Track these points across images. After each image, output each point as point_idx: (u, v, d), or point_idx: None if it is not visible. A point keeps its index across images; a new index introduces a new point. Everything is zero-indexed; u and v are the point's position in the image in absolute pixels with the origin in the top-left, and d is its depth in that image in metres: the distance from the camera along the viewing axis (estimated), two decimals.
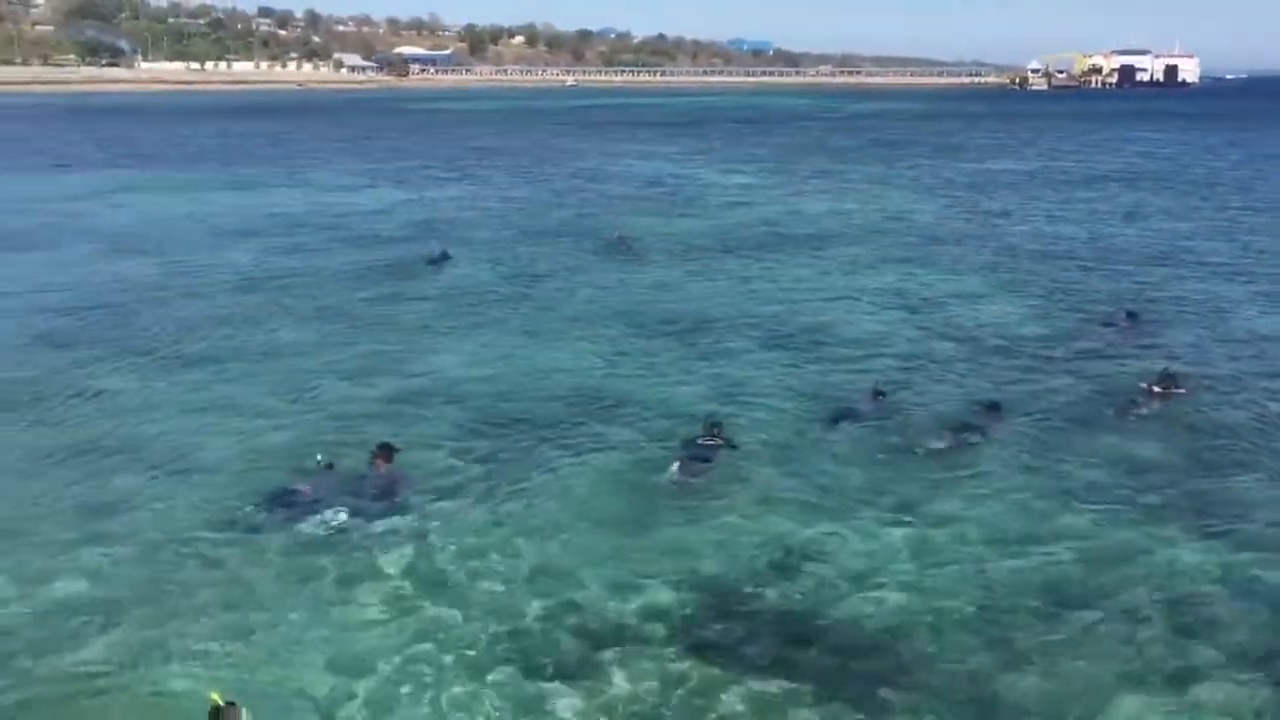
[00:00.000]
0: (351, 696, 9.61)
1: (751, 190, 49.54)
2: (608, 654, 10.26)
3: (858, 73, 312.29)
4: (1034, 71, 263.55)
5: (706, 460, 14.68)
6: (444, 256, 30.79)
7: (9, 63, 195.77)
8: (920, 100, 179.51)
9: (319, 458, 14.30)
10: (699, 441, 15.10)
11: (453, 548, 12.41)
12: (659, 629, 10.72)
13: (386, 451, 14.36)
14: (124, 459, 15.22)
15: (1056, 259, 31.20)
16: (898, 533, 12.82)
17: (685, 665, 10.04)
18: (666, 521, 13.16)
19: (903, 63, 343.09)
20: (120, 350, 20.85)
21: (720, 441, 15.13)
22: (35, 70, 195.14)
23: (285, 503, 13.32)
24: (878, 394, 17.45)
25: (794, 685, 9.72)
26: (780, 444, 15.80)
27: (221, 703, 7.68)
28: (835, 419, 16.59)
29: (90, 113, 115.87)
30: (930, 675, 9.99)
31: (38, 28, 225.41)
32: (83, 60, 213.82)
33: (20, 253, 31.63)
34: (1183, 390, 17.64)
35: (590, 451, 15.50)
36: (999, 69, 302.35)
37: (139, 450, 15.55)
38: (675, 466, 14.42)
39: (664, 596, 11.32)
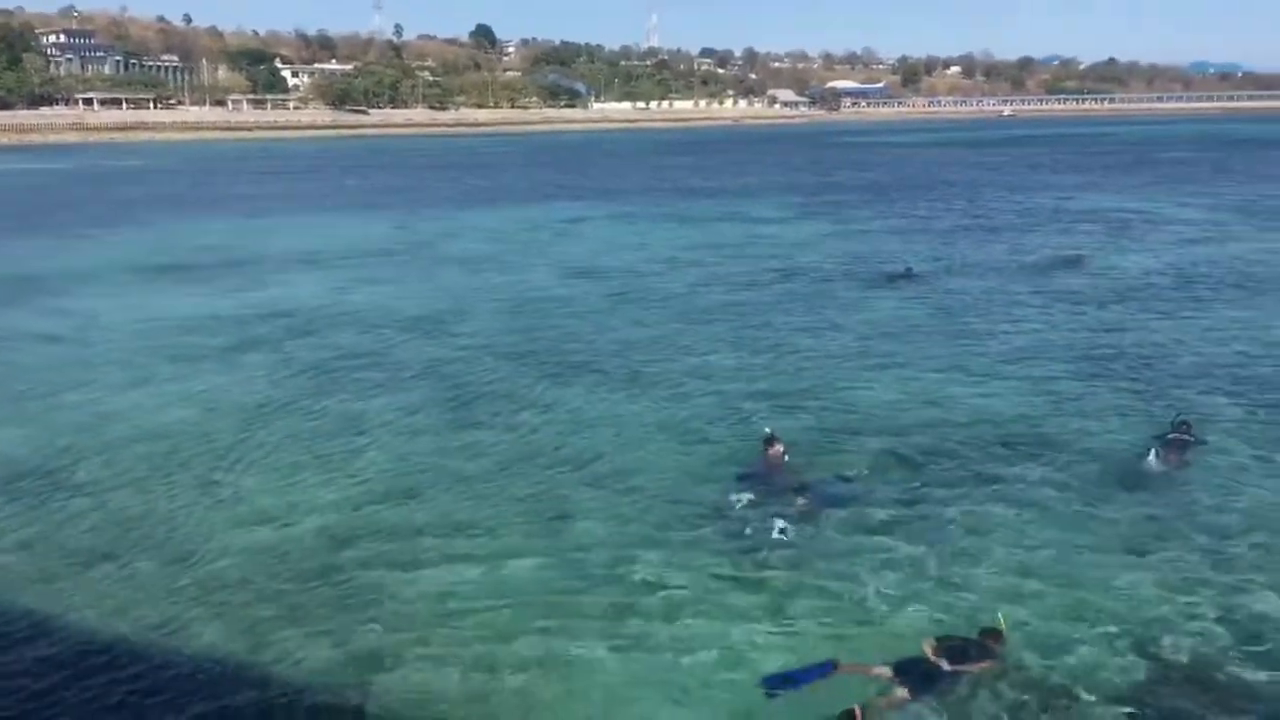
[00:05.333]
0: None
1: (1206, 226, 44.83)
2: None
3: None
4: None
5: (1180, 450, 15.83)
6: (908, 273, 32.50)
7: (482, 105, 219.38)
8: None
9: (767, 431, 16.03)
10: (1169, 436, 16.18)
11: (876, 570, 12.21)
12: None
13: (771, 439, 15.70)
14: (568, 467, 16.24)
15: None
16: None
17: None
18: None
19: None
20: (568, 367, 22.36)
21: (1190, 438, 16.16)
22: (505, 113, 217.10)
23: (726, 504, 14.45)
24: None
25: None
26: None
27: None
28: None
29: (550, 149, 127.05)
30: None
31: (508, 73, 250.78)
32: (544, 102, 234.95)
33: (488, 275, 35.00)
34: None
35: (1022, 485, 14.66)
36: None
37: (581, 459, 16.54)
38: (1153, 455, 15.63)
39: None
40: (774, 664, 10.54)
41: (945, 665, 10.03)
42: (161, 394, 20.68)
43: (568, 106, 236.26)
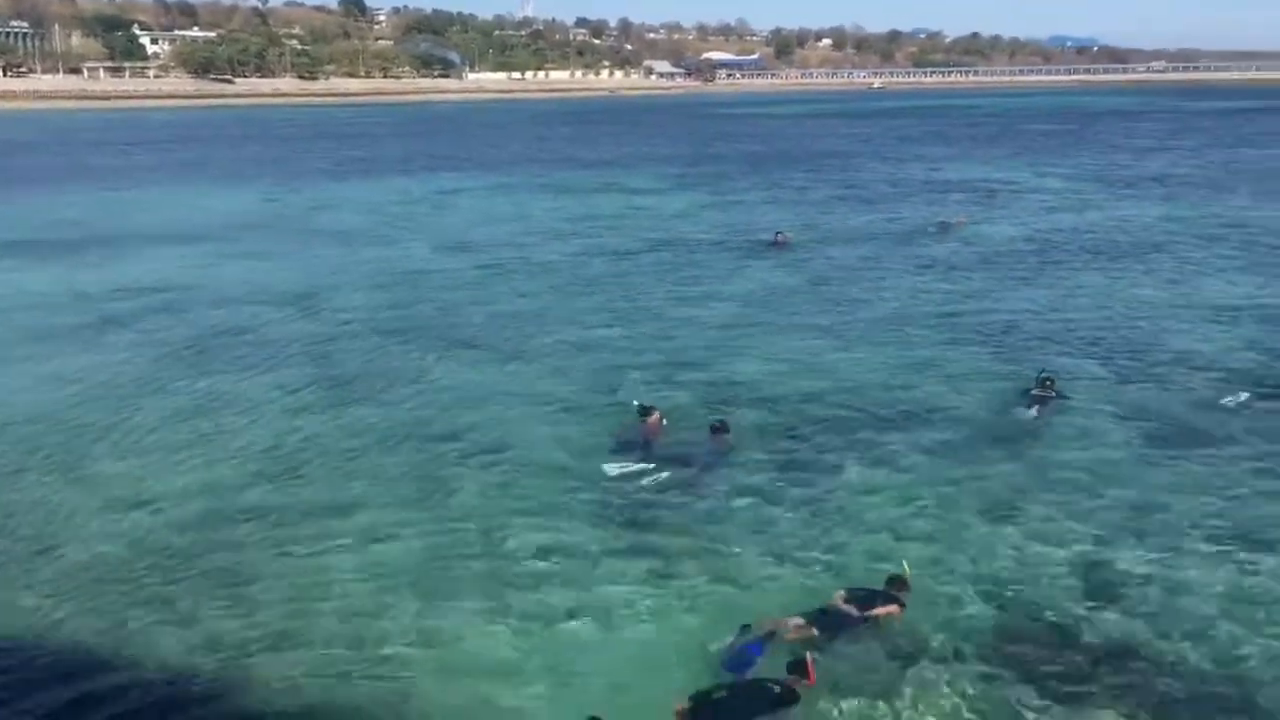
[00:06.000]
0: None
1: (1066, 195, 46.64)
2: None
3: (1195, 68, 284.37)
4: None
5: (1044, 404, 16.84)
6: (784, 242, 33.10)
7: (354, 75, 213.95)
8: (1275, 97, 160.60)
9: (636, 403, 16.35)
10: (1033, 392, 17.13)
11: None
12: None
13: (648, 409, 16.07)
14: (447, 442, 16.15)
15: None
16: None
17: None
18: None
19: (1251, 57, 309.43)
20: (445, 341, 22.21)
21: (1053, 394, 17.09)
22: (378, 83, 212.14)
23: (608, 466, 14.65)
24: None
25: None
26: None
27: None
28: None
29: (424, 121, 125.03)
30: None
31: (380, 42, 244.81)
32: (417, 72, 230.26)
33: (364, 248, 34.43)
34: None
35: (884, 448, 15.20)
36: None
37: (459, 434, 16.47)
38: (1018, 410, 16.80)
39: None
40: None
41: (855, 612, 10.55)
42: (23, 375, 19.93)
43: (441, 76, 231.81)
